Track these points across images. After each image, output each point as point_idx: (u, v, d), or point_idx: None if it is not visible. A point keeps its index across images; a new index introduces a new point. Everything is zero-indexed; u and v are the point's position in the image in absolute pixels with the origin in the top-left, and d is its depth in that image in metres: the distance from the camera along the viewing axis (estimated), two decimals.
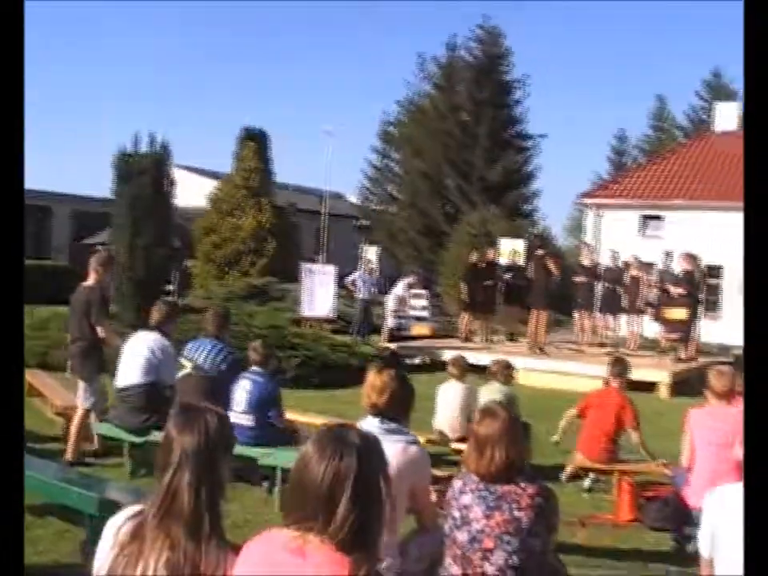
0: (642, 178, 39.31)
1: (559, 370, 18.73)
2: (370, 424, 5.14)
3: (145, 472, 9.33)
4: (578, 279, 22.87)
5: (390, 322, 23.86)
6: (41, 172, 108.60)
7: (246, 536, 3.06)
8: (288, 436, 8.95)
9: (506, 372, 10.78)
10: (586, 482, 10.17)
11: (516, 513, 4.39)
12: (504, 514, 4.39)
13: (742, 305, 4.61)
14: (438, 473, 9.89)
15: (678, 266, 21.05)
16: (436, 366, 20.51)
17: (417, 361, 21.43)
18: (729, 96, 53.20)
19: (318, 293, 23.39)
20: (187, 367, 8.98)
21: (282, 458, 8.37)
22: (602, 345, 22.86)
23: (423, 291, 26.81)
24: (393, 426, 5.16)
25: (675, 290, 20.48)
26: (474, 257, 23.35)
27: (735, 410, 7.51)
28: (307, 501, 2.77)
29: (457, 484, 4.68)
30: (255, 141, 34.45)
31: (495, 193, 49.17)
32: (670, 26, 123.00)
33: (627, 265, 23.16)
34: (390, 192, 56.69)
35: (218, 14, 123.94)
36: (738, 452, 8.66)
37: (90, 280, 10.02)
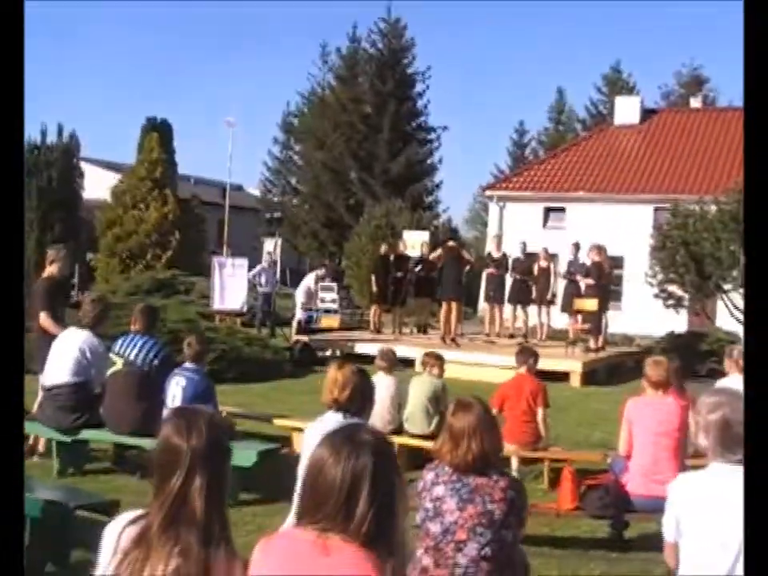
0: (545, 170, 39.84)
1: (472, 362, 18.80)
2: (333, 419, 5.12)
3: (72, 471, 9.16)
4: (489, 271, 23.04)
5: (299, 314, 23.73)
6: None
7: None
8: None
9: (437, 364, 10.79)
10: (513, 472, 10.26)
11: (489, 505, 4.40)
12: (477, 507, 4.40)
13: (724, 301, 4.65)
14: None
15: (587, 258, 21.30)
16: (348, 359, 20.50)
17: (328, 353, 21.39)
18: (627, 90, 54.24)
19: (228, 286, 23.24)
20: (118, 364, 8.80)
21: None
22: (511, 336, 23.04)
23: (333, 284, 26.79)
24: (354, 420, 5.14)
25: (585, 281, 20.76)
26: (383, 249, 23.38)
27: (671, 399, 7.69)
28: (325, 502, 2.75)
29: (428, 475, 4.67)
30: (159, 131, 34.05)
31: (398, 185, 49.38)
32: (571, 20, 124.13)
33: (534, 256, 23.39)
34: (293, 184, 56.54)
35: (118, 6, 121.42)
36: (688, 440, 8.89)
37: (45, 272, 10.20)
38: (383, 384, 10.55)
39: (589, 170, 38.91)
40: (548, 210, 38.38)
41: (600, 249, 20.90)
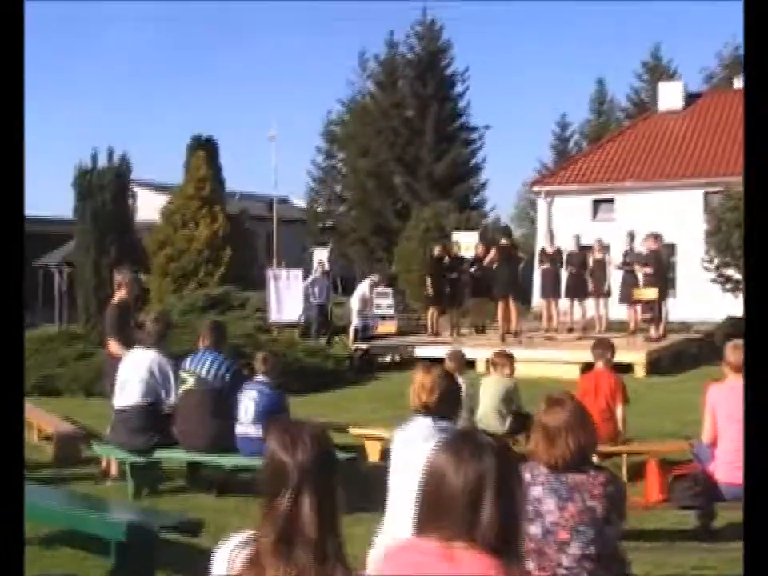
0: (591, 161, 39.54)
1: (535, 359, 18.68)
2: (423, 424, 5.05)
3: (147, 492, 9.16)
4: (544, 266, 22.91)
5: (355, 322, 23.69)
6: None
7: None
8: None
9: (507, 363, 10.68)
10: None
11: (589, 502, 4.30)
12: (578, 505, 4.30)
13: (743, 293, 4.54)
14: None
15: (644, 247, 21.11)
16: (407, 364, 20.48)
17: (387, 359, 21.37)
18: (668, 75, 53.70)
19: (285, 298, 23.23)
20: (189, 381, 8.77)
21: None
22: (570, 330, 22.92)
23: (388, 290, 26.69)
24: (445, 424, 5.07)
25: (643, 270, 20.58)
26: (437, 250, 23.30)
27: None
28: (449, 510, 2.68)
29: (524, 476, 4.57)
30: (205, 149, 34.13)
31: (443, 187, 49.27)
32: (605, 11, 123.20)
33: (588, 249, 23.22)
34: (338, 192, 56.61)
35: (152, 21, 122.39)
36: None
37: (115, 298, 10.30)
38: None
39: (635, 159, 38.53)
40: (597, 202, 38.07)
41: (657, 237, 20.73)
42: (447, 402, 5.16)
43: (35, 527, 7.76)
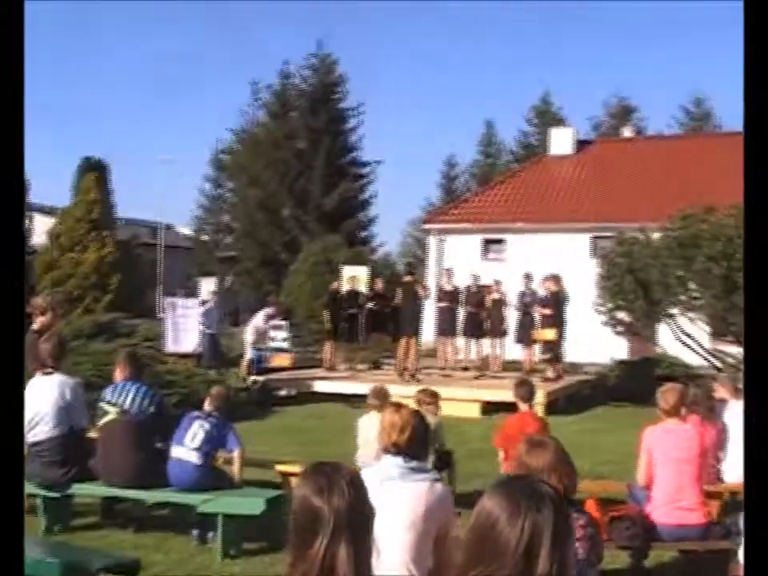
0: (482, 202, 39.93)
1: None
2: (392, 464, 4.87)
3: (59, 528, 8.72)
4: (441, 304, 22.93)
5: (249, 354, 23.29)
6: None
7: None
8: (226, 480, 8.47)
9: (432, 401, 10.53)
10: None
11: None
12: None
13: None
14: None
15: (543, 288, 21.31)
16: (304, 398, 20.24)
17: (283, 392, 21.08)
18: (556, 121, 54.72)
19: (182, 327, 22.77)
20: (112, 413, 8.37)
21: (224, 504, 7.92)
22: (465, 369, 22.98)
23: (283, 322, 26.34)
24: (415, 464, 4.90)
25: (542, 311, 20.75)
26: (335, 285, 23.18)
27: (689, 426, 7.59)
28: (501, 559, 2.51)
29: None
30: (96, 171, 33.49)
31: (332, 221, 49.22)
32: (497, 54, 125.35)
33: (484, 288, 23.36)
34: (226, 222, 56.13)
35: (40, 37, 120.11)
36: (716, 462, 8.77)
37: (36, 324, 9.55)
38: (376, 422, 10.26)
39: (526, 201, 39.04)
40: (487, 242, 38.40)
41: (556, 278, 20.95)
42: (417, 442, 5.00)
43: None
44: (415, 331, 20.98)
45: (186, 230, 61.20)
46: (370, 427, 10.31)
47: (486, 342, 23.43)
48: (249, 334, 23.80)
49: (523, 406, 10.16)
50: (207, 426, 8.37)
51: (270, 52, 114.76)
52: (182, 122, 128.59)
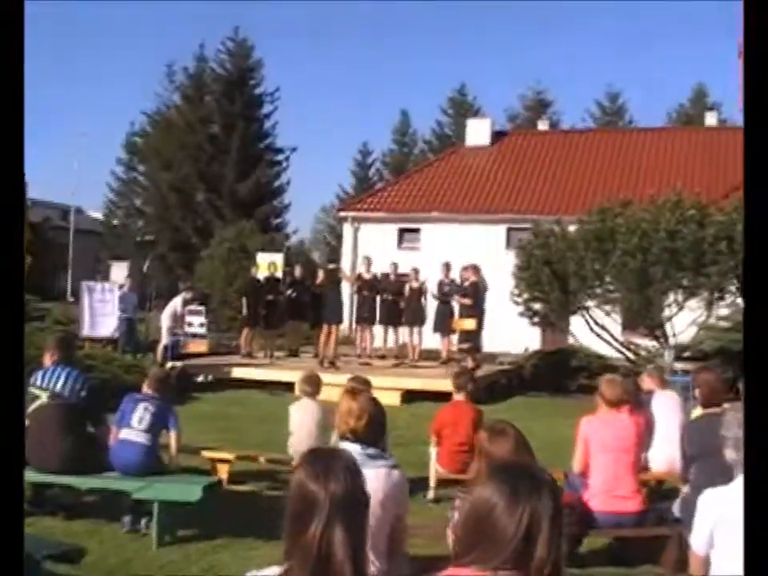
0: (398, 191, 40.03)
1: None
2: (351, 450, 4.84)
3: None
4: (360, 292, 22.93)
5: (165, 339, 23.01)
6: None
7: None
8: (165, 466, 8.40)
9: (363, 389, 10.52)
10: (430, 493, 10.14)
11: None
12: None
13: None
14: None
15: (462, 277, 21.46)
16: (221, 385, 20.09)
17: (200, 379, 20.91)
18: (472, 112, 55.01)
19: (99, 312, 22.45)
20: (42, 397, 8.21)
21: (160, 491, 7.83)
22: (382, 357, 23.02)
23: (200, 308, 26.11)
24: (373, 451, 4.92)
25: (462, 301, 20.87)
26: (253, 271, 23.06)
27: (625, 416, 7.72)
28: (499, 541, 2.54)
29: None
30: None
31: (246, 207, 48.88)
32: (414, 43, 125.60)
33: (403, 276, 23.42)
34: (138, 206, 55.40)
35: None
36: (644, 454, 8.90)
37: None
38: (309, 409, 10.29)
39: (442, 191, 39.23)
40: (402, 231, 38.52)
41: (476, 268, 21.12)
42: (374, 428, 5.01)
43: None
44: (339, 319, 21.00)
45: (96, 214, 60.30)
46: (301, 414, 10.32)
47: (403, 331, 23.47)
48: (165, 319, 23.52)
49: (458, 395, 10.25)
50: (152, 408, 8.33)
51: (185, 33, 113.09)
52: (97, 101, 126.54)
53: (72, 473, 8.10)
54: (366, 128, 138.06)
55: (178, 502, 7.90)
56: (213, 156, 50.13)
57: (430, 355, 23.48)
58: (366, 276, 23.04)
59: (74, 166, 64.54)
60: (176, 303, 23.90)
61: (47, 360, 8.68)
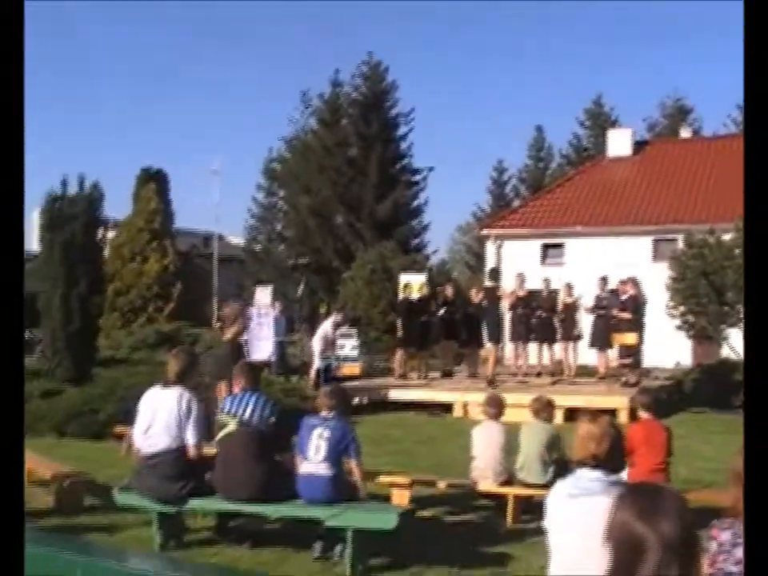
0: (541, 206, 39.51)
1: (515, 403, 18.26)
2: (591, 477, 4.52)
3: (174, 544, 8.45)
4: (515, 310, 22.55)
5: (317, 363, 22.98)
6: None
7: None
8: (354, 491, 8.15)
9: (548, 409, 10.19)
10: None
11: None
12: None
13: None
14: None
15: (621, 291, 20.97)
16: (377, 407, 19.92)
17: (355, 401, 20.76)
18: (610, 123, 54.09)
19: (256, 336, 22.57)
20: (231, 425, 8.07)
21: (354, 518, 7.59)
22: (539, 374, 22.63)
23: (352, 330, 26.05)
24: (614, 477, 4.56)
25: (622, 315, 20.35)
26: (407, 292, 22.87)
27: None
28: (646, 568, 2.38)
29: (724, 535, 4.04)
30: (155, 182, 33.44)
31: (385, 228, 48.93)
32: (545, 57, 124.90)
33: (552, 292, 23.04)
34: (278, 230, 56.00)
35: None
36: None
37: (228, 333, 9.91)
38: (494, 431, 9.98)
39: (585, 204, 38.60)
40: (546, 246, 38.01)
41: (635, 282, 20.62)
42: (615, 453, 4.66)
43: None
44: (498, 338, 20.77)
45: (236, 240, 61.18)
46: (485, 436, 10.00)
47: (557, 347, 23.05)
48: (317, 342, 23.49)
49: (645, 414, 9.81)
50: (327, 433, 8.03)
51: (319, 61, 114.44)
52: (233, 132, 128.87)
53: (262, 501, 7.94)
54: (501, 145, 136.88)
55: (373, 530, 7.64)
56: (351, 178, 50.35)
57: (585, 371, 23.01)
58: (521, 293, 22.64)
59: (214, 197, 65.51)
60: (327, 326, 23.87)
61: (235, 387, 8.57)
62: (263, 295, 28.54)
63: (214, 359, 9.96)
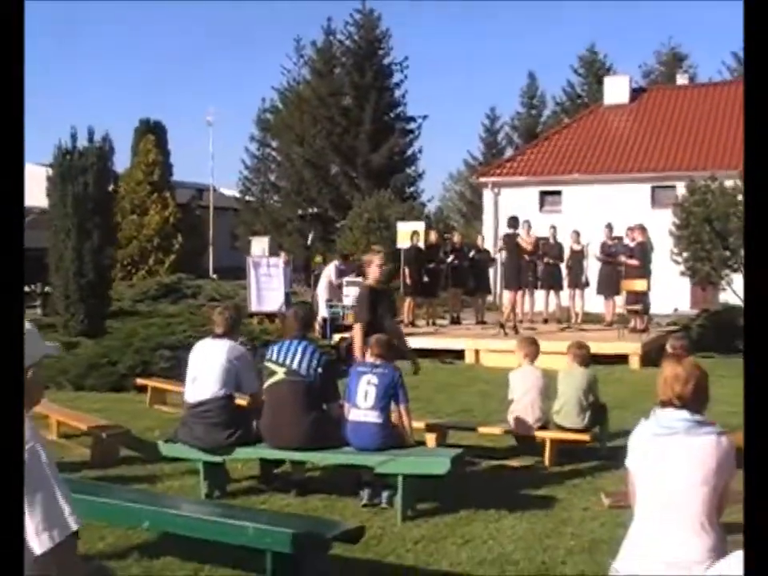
0: (538, 153, 39.45)
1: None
2: (676, 417, 4.57)
3: (219, 493, 8.49)
4: (522, 258, 22.55)
5: (323, 312, 22.92)
6: None
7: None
8: (402, 438, 8.20)
9: (583, 353, 10.24)
10: None
11: None
12: None
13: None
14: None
15: (629, 238, 21.03)
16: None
17: None
18: (604, 71, 53.81)
19: (265, 286, 22.52)
20: (279, 373, 8.09)
21: (405, 464, 7.64)
22: (545, 321, 22.71)
23: (357, 279, 25.86)
24: (700, 417, 4.60)
25: (630, 262, 20.39)
26: (413, 239, 22.82)
27: None
28: None
29: None
30: (154, 133, 33.18)
31: (380, 177, 48.74)
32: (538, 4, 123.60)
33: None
34: (272, 181, 55.74)
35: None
36: None
37: (369, 278, 10.03)
38: (531, 375, 10.01)
39: (582, 152, 38.59)
40: (543, 194, 38.01)
41: (643, 229, 20.64)
42: (700, 394, 4.70)
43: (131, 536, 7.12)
44: (518, 285, 20.94)
45: (228, 191, 60.91)
46: (524, 380, 10.04)
47: (564, 294, 23.11)
48: (321, 291, 23.45)
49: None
50: (375, 379, 8.08)
51: (311, 6, 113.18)
52: (223, 81, 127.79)
53: (310, 450, 7.98)
54: (492, 92, 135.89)
55: (424, 475, 7.70)
56: (345, 128, 50.05)
57: (590, 318, 23.10)
58: (528, 241, 22.62)
59: (208, 148, 65.40)
60: (330, 274, 23.79)
61: (284, 334, 8.64)
62: (259, 246, 28.50)
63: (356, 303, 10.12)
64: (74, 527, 3.59)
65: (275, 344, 8.50)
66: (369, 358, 8.49)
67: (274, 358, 8.17)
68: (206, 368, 8.27)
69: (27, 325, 4.10)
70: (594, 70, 56.02)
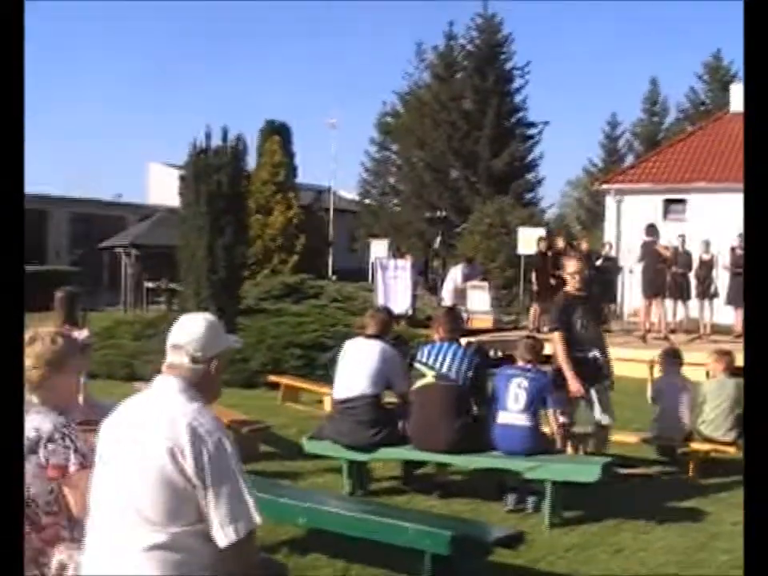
0: (663, 161, 38.82)
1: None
2: None
3: (362, 492, 8.51)
4: (659, 266, 22.20)
5: None
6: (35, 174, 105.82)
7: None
8: (551, 443, 8.14)
9: (728, 360, 10.01)
10: None
11: None
12: None
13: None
14: None
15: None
16: (511, 360, 19.79)
17: (490, 354, 20.70)
18: (729, 77, 52.66)
19: (392, 288, 22.57)
20: (429, 376, 8.08)
21: (555, 471, 7.55)
22: (672, 332, 22.29)
23: (483, 283, 25.76)
24: None
25: None
26: (541, 245, 22.66)
27: None
28: None
29: None
30: (279, 135, 33.58)
31: (501, 182, 48.46)
32: (663, 11, 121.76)
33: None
34: (392, 184, 55.91)
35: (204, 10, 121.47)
36: None
37: (569, 285, 9.56)
38: (679, 386, 9.83)
39: (709, 160, 37.82)
40: (668, 202, 37.35)
41: None
42: None
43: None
44: (658, 293, 20.76)
45: (347, 194, 61.27)
46: (670, 391, 9.85)
47: (692, 305, 22.71)
48: (446, 294, 23.46)
49: None
50: (525, 382, 8.02)
51: (433, 12, 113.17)
52: (343, 86, 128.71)
53: (456, 453, 7.95)
54: (614, 98, 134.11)
55: (574, 482, 7.60)
56: (466, 132, 49.86)
57: (719, 329, 22.63)
58: (668, 249, 22.28)
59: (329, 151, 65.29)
60: (455, 277, 23.75)
61: (436, 335, 8.62)
62: (379, 249, 28.56)
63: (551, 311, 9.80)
64: (258, 521, 3.58)
65: (425, 345, 8.51)
66: (519, 363, 8.44)
67: (424, 360, 8.17)
68: (357, 366, 8.31)
69: (210, 317, 4.12)
70: (719, 77, 54.91)
